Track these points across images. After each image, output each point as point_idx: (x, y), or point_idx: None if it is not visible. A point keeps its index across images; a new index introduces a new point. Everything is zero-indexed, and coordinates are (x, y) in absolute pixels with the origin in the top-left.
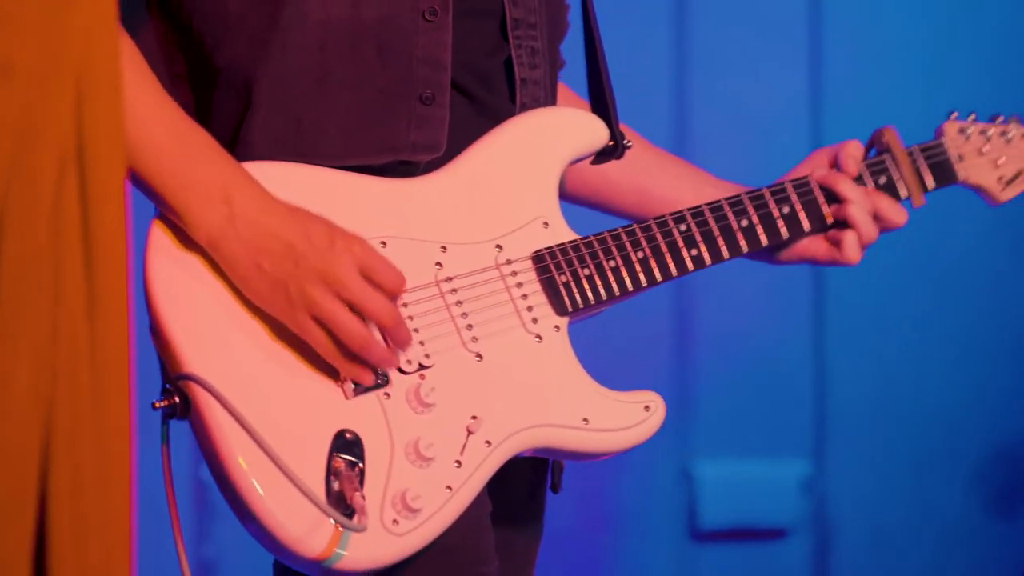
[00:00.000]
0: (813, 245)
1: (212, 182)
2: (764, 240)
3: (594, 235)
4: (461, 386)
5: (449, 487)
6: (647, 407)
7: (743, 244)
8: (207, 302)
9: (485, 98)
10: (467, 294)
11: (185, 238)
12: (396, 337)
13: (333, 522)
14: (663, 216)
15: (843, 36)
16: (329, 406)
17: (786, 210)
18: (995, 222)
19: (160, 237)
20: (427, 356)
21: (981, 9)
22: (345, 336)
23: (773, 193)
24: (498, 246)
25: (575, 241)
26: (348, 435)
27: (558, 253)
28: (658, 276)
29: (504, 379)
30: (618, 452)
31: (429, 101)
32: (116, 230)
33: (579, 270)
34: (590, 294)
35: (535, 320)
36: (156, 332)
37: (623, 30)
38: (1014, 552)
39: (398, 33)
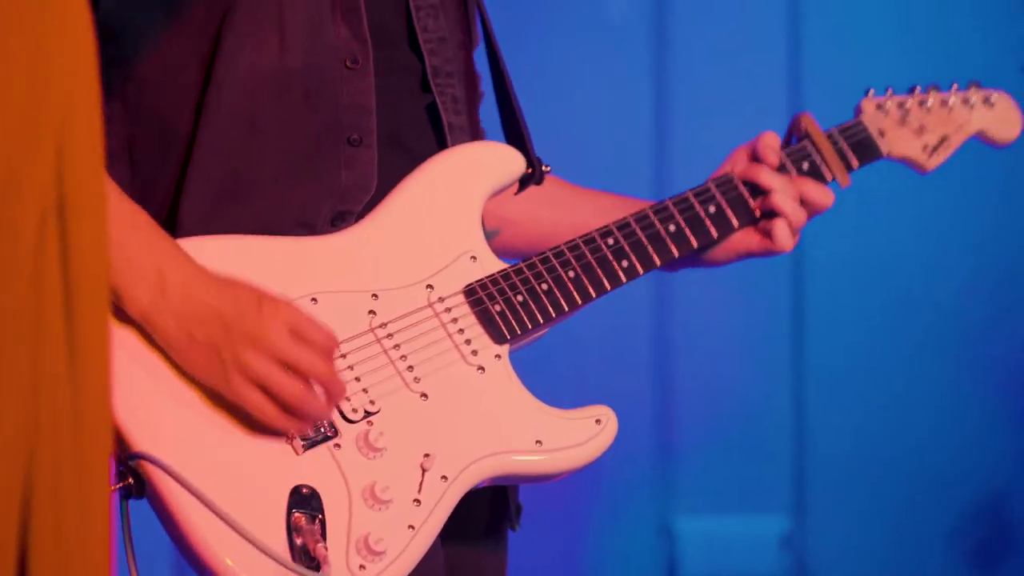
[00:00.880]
0: (746, 239)
1: (146, 259)
2: (694, 242)
3: (523, 261)
4: (410, 427)
5: (411, 526)
6: (598, 420)
7: (673, 249)
8: (148, 379)
9: (414, 146)
10: (403, 336)
11: (119, 315)
12: (332, 390)
13: None
14: (590, 233)
15: (819, 86)
16: (282, 465)
17: (712, 209)
18: (975, 275)
19: None
20: (372, 402)
21: (958, 26)
22: (281, 394)
23: (697, 195)
24: (429, 286)
25: (505, 270)
26: (304, 490)
27: (489, 284)
28: (592, 292)
29: (452, 413)
30: (576, 469)
31: (357, 143)
32: (97, 283)
33: (512, 297)
34: (526, 319)
35: (475, 352)
36: None
37: (601, 81)
38: None
39: (323, 81)
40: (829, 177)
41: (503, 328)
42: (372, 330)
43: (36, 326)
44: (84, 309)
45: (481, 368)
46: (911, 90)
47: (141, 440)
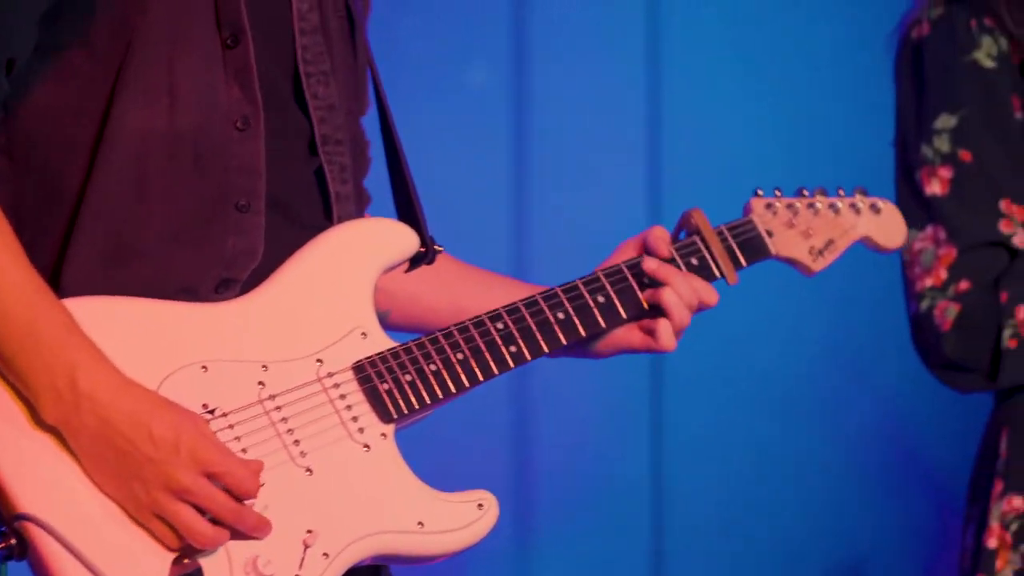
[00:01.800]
0: (629, 335)
1: (59, 365)
2: (582, 331)
3: (413, 340)
4: (294, 501)
5: None
6: (480, 505)
7: (562, 336)
8: (34, 440)
9: (301, 212)
10: (292, 410)
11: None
12: (245, 531)
13: None
14: (479, 316)
15: (677, 158)
16: None
17: (601, 299)
18: (831, 345)
19: None
20: None
21: (808, 92)
22: (188, 535)
23: (586, 284)
24: (319, 360)
25: (394, 348)
26: (186, 560)
27: (378, 362)
28: (480, 376)
29: (336, 490)
30: (457, 552)
31: (245, 209)
32: None
33: (400, 376)
34: (413, 399)
35: (361, 430)
36: None
37: (461, 150)
38: None
39: (212, 143)
40: (717, 274)
41: (390, 407)
42: (261, 401)
43: None
44: None
45: (367, 446)
46: (799, 192)
47: (26, 500)
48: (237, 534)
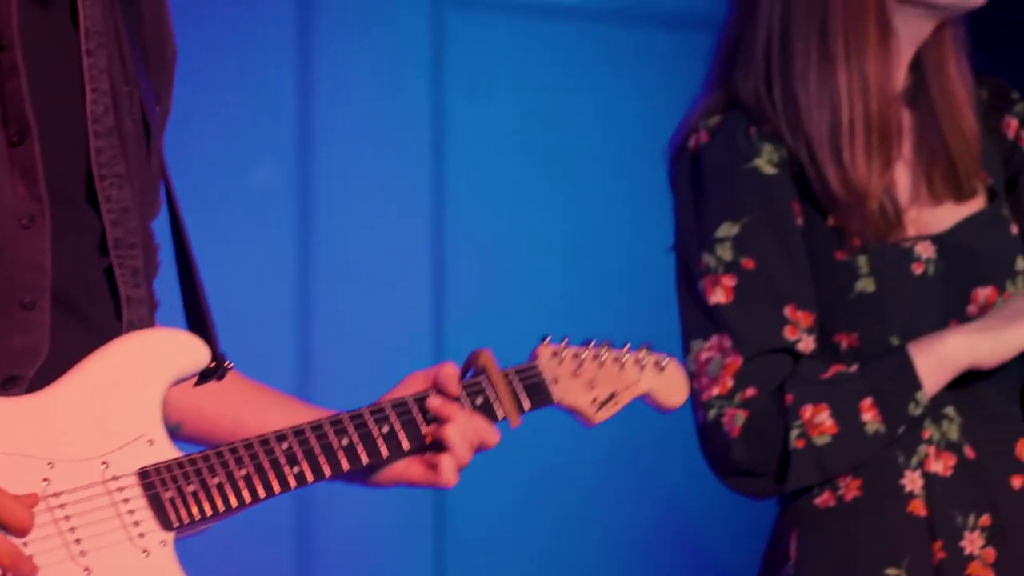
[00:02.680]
0: (410, 469)
1: None
2: (365, 458)
3: (199, 452)
4: None
5: None
6: None
7: (344, 462)
8: None
9: (89, 312)
10: (75, 509)
11: None
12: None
13: None
14: (266, 435)
15: (460, 258)
16: None
17: (385, 429)
18: (615, 454)
19: None
20: (35, 570)
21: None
22: None
23: (373, 413)
24: (104, 463)
25: (180, 459)
26: None
27: (163, 470)
28: (261, 493)
29: None
30: None
31: (30, 307)
32: None
33: (184, 486)
34: (195, 510)
35: (141, 535)
36: None
37: (245, 251)
38: None
39: None
40: (500, 415)
41: (172, 515)
42: (45, 498)
43: None
44: None
45: (146, 552)
46: (586, 343)
47: None
48: None
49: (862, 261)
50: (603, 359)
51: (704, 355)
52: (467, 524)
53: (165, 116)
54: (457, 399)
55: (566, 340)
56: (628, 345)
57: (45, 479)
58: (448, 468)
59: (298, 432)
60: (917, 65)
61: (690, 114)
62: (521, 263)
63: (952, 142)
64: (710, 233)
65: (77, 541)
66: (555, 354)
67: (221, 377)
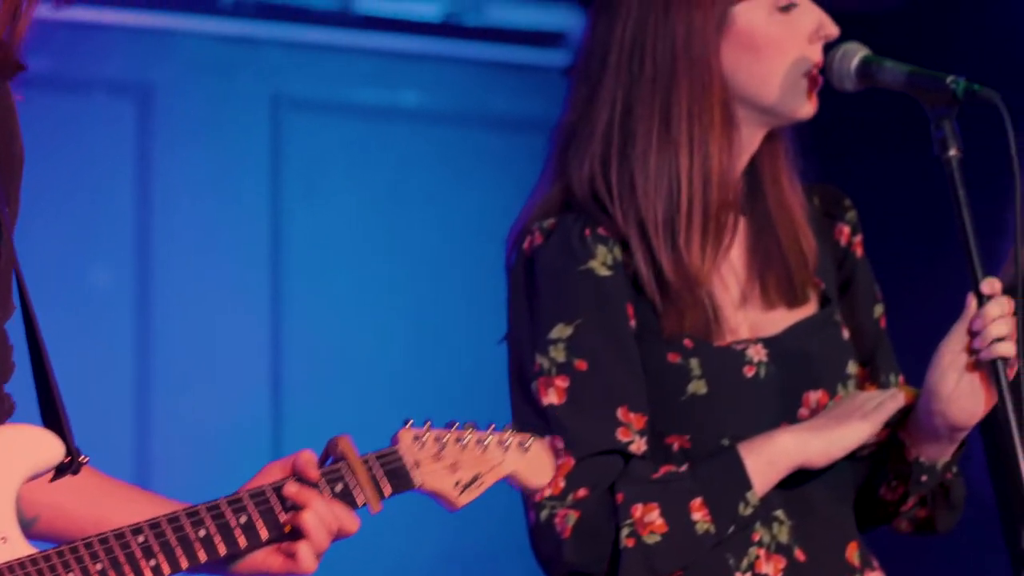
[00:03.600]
0: (269, 558)
1: None
2: (222, 549)
3: (53, 549)
4: None
5: None
6: None
7: (201, 553)
8: None
9: None
10: None
11: None
12: None
13: None
14: (121, 528)
15: (299, 359)
16: None
17: (243, 519)
18: (448, 557)
19: None
20: None
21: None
22: None
23: (230, 503)
24: None
25: (34, 555)
26: None
27: (17, 568)
28: None
29: None
30: None
31: None
32: None
33: None
34: None
35: None
36: None
37: (84, 352)
38: None
39: None
40: (361, 502)
41: None
42: None
43: None
44: None
45: None
46: (449, 425)
47: None
48: None
49: (694, 363)
50: (466, 441)
51: None
52: None
53: (14, 217)
54: (316, 485)
55: (428, 423)
56: (492, 426)
57: None
58: (306, 555)
59: (154, 525)
60: (748, 173)
61: (526, 211)
62: (359, 360)
63: (788, 252)
64: (544, 334)
65: None
66: (417, 438)
67: (76, 472)
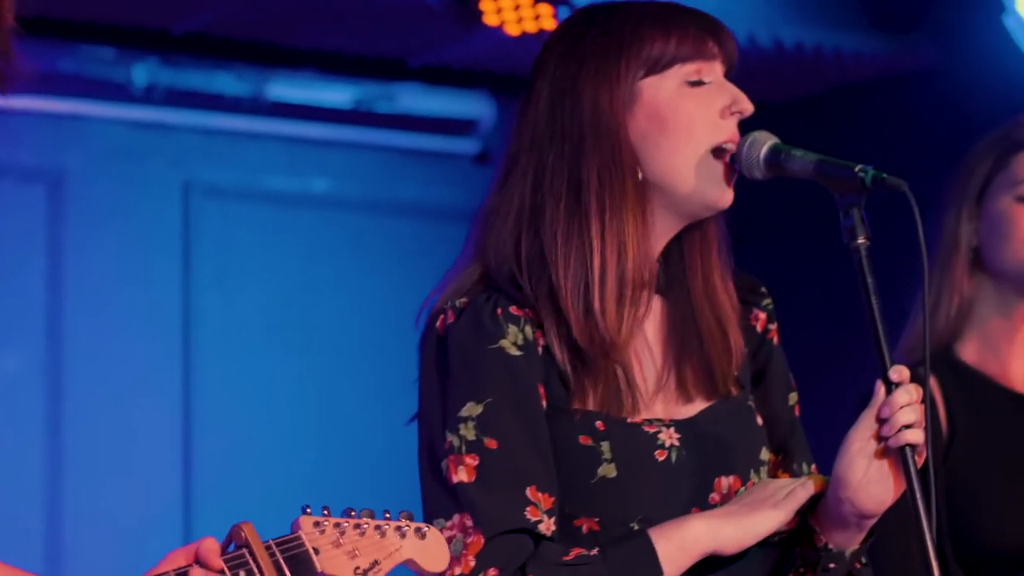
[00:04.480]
0: None
1: None
2: None
3: None
4: None
5: None
6: None
7: None
8: None
9: None
10: None
11: None
12: None
13: None
14: None
15: (210, 445)
16: None
17: None
18: None
19: None
20: None
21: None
22: None
23: None
24: None
25: None
26: None
27: None
28: None
29: None
30: None
31: None
32: None
33: None
34: None
35: None
36: None
37: None
38: None
39: None
40: None
41: None
42: None
43: None
44: None
45: None
46: (347, 512)
47: None
48: None
49: (605, 447)
50: (364, 528)
51: (446, 533)
52: None
53: None
54: (220, 572)
55: (326, 510)
56: (387, 513)
57: None
58: None
59: None
60: (676, 260)
61: (439, 290)
62: (271, 446)
63: (711, 346)
64: (455, 413)
65: None
66: (316, 524)
67: None
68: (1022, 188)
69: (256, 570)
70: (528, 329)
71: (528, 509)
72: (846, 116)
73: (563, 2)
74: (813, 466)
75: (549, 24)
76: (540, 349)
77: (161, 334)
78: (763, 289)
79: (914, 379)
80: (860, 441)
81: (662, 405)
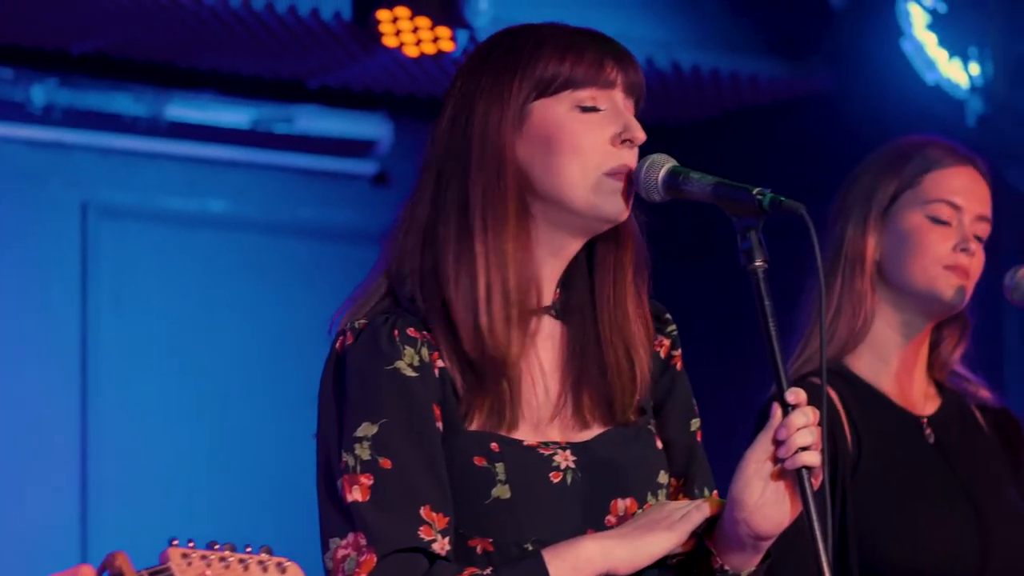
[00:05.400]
0: None
1: None
2: None
3: None
4: None
5: None
6: None
7: None
8: None
9: None
10: None
11: None
12: None
13: None
14: None
15: (108, 466)
16: None
17: None
18: None
19: None
20: None
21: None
22: None
23: None
24: None
25: None
26: None
27: None
28: None
29: None
30: None
31: None
32: None
33: None
34: None
35: None
36: None
37: None
38: None
39: None
40: None
41: None
42: None
43: None
44: None
45: None
46: (210, 545)
47: None
48: None
49: (500, 467)
50: (229, 561)
51: (340, 552)
52: None
53: None
54: None
55: (191, 543)
56: (249, 548)
57: None
58: None
59: None
60: (588, 285)
61: (350, 301)
62: (169, 466)
63: (615, 376)
64: (350, 432)
65: None
66: (184, 556)
67: None
68: (935, 208)
69: None
70: (424, 351)
71: (422, 528)
72: (744, 139)
73: (462, 25)
74: (715, 492)
75: (447, 46)
76: (436, 371)
77: (59, 354)
78: (668, 316)
79: (808, 388)
80: (756, 463)
81: (559, 429)
